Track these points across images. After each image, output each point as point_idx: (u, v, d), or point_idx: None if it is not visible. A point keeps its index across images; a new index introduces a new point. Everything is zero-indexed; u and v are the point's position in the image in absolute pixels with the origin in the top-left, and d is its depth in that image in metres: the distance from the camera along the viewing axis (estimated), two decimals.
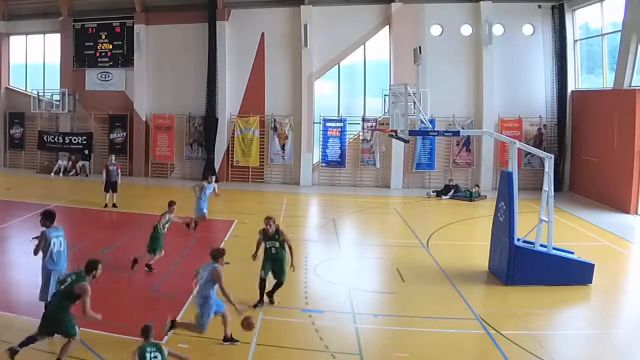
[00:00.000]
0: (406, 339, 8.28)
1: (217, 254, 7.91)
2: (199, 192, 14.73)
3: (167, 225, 11.32)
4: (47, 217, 8.27)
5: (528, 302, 9.73)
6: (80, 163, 24.35)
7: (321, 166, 22.90)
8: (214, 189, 15.19)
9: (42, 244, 8.12)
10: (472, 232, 15.60)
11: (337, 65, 22.85)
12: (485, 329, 8.54)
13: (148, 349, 6.38)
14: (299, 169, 22.74)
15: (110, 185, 17.18)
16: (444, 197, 20.37)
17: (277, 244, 9.42)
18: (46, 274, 8.16)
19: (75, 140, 24.73)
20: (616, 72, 18.29)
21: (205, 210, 14.73)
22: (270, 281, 9.48)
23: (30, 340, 7.06)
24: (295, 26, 22.44)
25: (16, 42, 26.51)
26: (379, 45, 22.55)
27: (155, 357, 6.35)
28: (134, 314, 8.81)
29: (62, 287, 7.06)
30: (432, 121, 15.91)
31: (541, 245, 10.73)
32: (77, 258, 11.50)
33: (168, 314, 8.42)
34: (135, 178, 23.54)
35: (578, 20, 21.41)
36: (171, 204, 11.59)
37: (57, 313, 7.03)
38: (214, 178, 16.13)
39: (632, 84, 17.68)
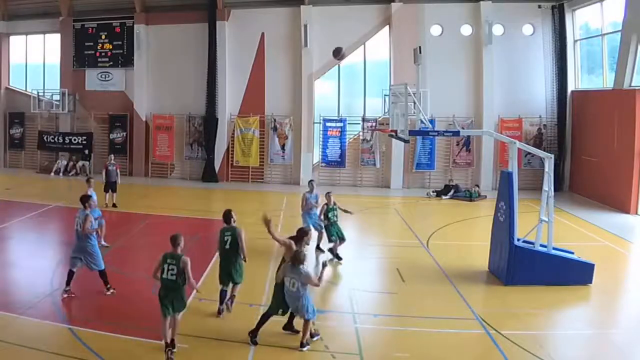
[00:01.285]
0: (406, 339, 8.28)
1: (296, 259, 7.70)
2: (303, 203, 12.74)
3: (336, 213, 12.16)
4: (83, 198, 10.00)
5: (528, 302, 9.72)
6: (80, 163, 24.37)
7: (321, 166, 22.90)
8: (317, 199, 12.72)
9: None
10: (472, 232, 15.59)
11: (337, 65, 22.85)
12: (485, 329, 8.54)
13: (168, 260, 7.47)
14: (299, 169, 22.74)
15: (110, 186, 17.18)
16: (444, 197, 20.37)
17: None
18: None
19: (75, 140, 24.75)
20: (616, 72, 18.28)
21: (310, 224, 12.17)
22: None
23: (224, 295, 8.89)
24: (295, 26, 22.45)
25: (16, 42, 26.54)
26: (379, 45, 22.55)
27: (172, 269, 7.42)
28: (134, 313, 8.80)
29: (227, 245, 8.81)
30: (432, 121, 15.91)
31: (541, 245, 10.72)
32: None
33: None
34: (135, 178, 23.54)
35: (578, 20, 21.41)
36: (328, 193, 12.45)
37: (234, 262, 8.83)
38: (314, 184, 13.04)
39: (632, 84, 17.67)
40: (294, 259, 7.67)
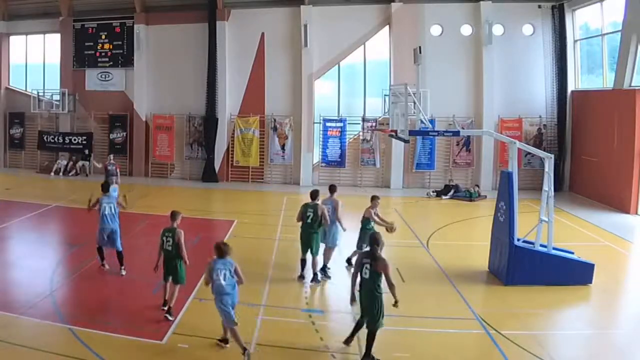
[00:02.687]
0: (406, 339, 8.28)
1: (219, 251, 7.56)
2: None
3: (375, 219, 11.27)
4: (102, 187, 11.22)
5: (528, 302, 9.73)
6: (80, 163, 24.36)
7: (321, 166, 22.90)
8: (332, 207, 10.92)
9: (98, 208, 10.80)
10: (472, 232, 15.59)
11: (337, 65, 22.84)
12: (485, 329, 8.55)
13: (166, 233, 8.72)
14: (299, 169, 22.74)
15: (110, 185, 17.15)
16: (444, 197, 20.37)
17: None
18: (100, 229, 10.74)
19: (75, 140, 24.74)
20: (616, 72, 18.28)
21: (337, 241, 11.16)
22: None
23: (304, 264, 10.71)
24: (295, 26, 22.45)
25: (16, 42, 26.52)
26: (379, 45, 22.55)
27: (169, 241, 8.65)
28: (134, 313, 8.81)
29: (309, 219, 10.41)
30: (432, 121, 15.90)
31: (541, 245, 10.73)
32: (77, 256, 11.56)
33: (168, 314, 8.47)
34: (135, 178, 23.53)
35: (578, 20, 21.41)
36: (374, 198, 11.31)
37: (313, 233, 10.46)
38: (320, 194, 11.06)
39: (632, 84, 17.68)
40: (217, 252, 7.51)
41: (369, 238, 7.86)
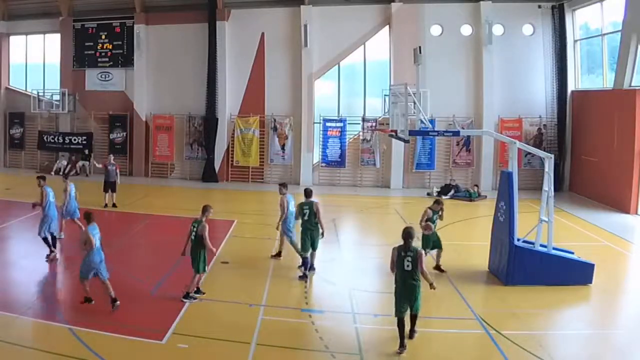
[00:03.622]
0: (406, 339, 8.27)
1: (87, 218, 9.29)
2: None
3: (435, 222, 11.17)
4: (41, 178, 12.33)
5: (528, 302, 9.72)
6: (80, 163, 24.36)
7: (321, 166, 22.90)
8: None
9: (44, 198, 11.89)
10: (472, 232, 15.58)
11: (337, 65, 22.84)
12: (485, 329, 8.54)
13: (194, 224, 9.37)
14: (299, 169, 22.74)
15: (110, 185, 17.18)
16: (443, 197, 20.25)
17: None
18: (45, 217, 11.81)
19: (75, 140, 24.75)
20: (616, 72, 18.28)
21: (291, 235, 11.62)
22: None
23: (307, 262, 10.89)
24: (295, 26, 22.44)
25: (16, 42, 26.54)
26: (379, 45, 22.55)
27: (194, 232, 9.31)
28: (134, 314, 8.81)
29: (306, 216, 10.82)
30: (432, 121, 15.91)
31: (541, 245, 10.72)
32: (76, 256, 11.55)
33: (167, 314, 8.47)
34: (135, 178, 23.54)
35: (578, 20, 21.41)
36: (438, 202, 11.37)
37: (312, 230, 10.86)
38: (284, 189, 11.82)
39: (632, 84, 17.67)
40: (87, 219, 9.28)
41: (402, 232, 7.89)
